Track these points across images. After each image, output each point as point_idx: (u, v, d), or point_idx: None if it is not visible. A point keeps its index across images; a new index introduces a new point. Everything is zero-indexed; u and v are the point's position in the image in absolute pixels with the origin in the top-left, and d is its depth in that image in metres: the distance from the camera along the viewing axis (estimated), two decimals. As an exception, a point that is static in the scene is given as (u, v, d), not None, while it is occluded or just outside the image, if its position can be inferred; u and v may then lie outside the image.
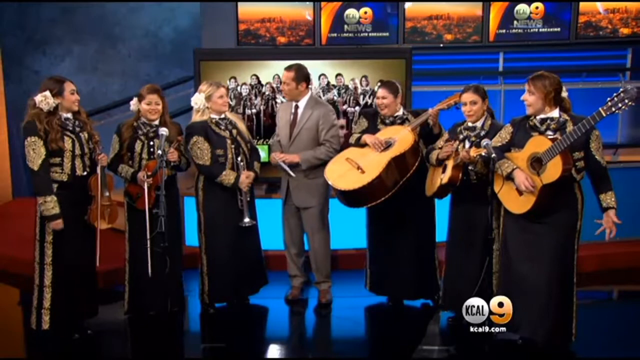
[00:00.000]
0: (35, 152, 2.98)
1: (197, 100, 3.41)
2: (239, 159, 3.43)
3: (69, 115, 3.10)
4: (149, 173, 3.18)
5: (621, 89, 2.58)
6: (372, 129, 3.48)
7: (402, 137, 3.29)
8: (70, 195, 3.06)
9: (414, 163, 3.30)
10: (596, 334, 3.25)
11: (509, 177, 2.83)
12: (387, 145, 3.31)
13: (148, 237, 3.04)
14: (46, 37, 6.78)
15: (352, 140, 3.56)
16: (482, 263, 3.13)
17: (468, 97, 3.17)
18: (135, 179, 3.25)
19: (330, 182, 3.35)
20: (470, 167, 3.14)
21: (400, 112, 3.51)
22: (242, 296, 3.68)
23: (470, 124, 3.23)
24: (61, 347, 3.15)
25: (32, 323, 3.13)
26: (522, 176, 2.76)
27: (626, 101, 2.55)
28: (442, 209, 3.52)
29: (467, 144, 3.18)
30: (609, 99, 2.60)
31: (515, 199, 2.85)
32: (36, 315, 3.11)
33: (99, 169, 3.08)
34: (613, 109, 2.58)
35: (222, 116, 3.47)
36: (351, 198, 3.30)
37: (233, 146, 3.43)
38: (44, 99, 2.99)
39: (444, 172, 3.18)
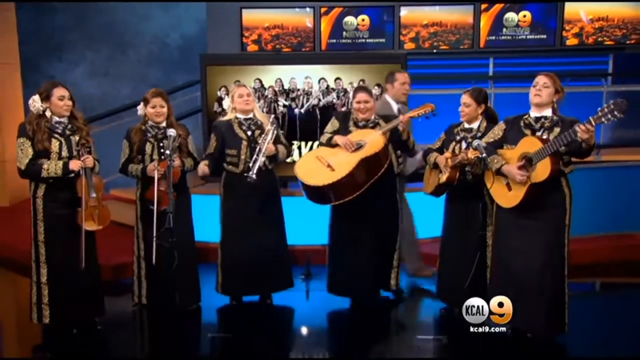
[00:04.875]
0: (23, 152, 2.93)
1: (227, 101, 3.44)
2: (254, 158, 3.29)
3: (63, 119, 3.01)
4: (161, 170, 3.07)
5: (612, 101, 2.51)
6: (344, 131, 3.40)
7: (373, 140, 3.23)
8: (58, 196, 2.98)
9: (383, 165, 3.22)
10: (583, 325, 3.21)
11: (499, 172, 2.81)
12: (358, 147, 3.23)
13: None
14: (61, 43, 6.75)
15: (323, 139, 3.44)
16: (475, 256, 3.11)
17: (463, 98, 3.17)
18: (146, 174, 3.18)
19: (299, 178, 3.25)
20: (467, 168, 3.10)
21: (372, 116, 3.43)
22: (259, 292, 3.55)
23: (466, 125, 3.20)
24: (71, 341, 3.09)
25: (32, 318, 3.06)
26: (512, 169, 2.74)
27: (615, 113, 2.49)
28: (437, 204, 3.46)
29: (464, 145, 3.16)
30: (599, 109, 2.54)
31: (504, 194, 2.83)
32: (37, 311, 3.04)
33: (83, 170, 2.95)
34: (602, 119, 2.52)
35: (250, 116, 3.40)
36: (318, 194, 3.21)
37: (248, 148, 3.35)
38: (32, 102, 2.94)
39: (441, 171, 3.16)
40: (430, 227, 4.13)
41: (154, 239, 2.91)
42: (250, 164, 3.26)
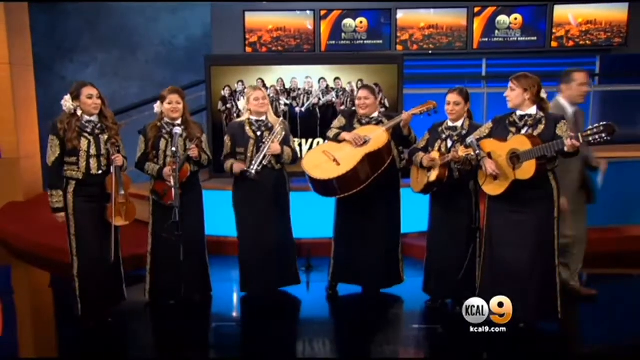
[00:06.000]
0: (52, 150, 2.94)
1: (242, 102, 3.45)
2: (257, 155, 3.28)
3: (93, 118, 3.00)
4: (174, 167, 3.05)
5: (603, 123, 2.51)
6: (349, 127, 3.40)
7: (377, 136, 3.22)
8: (87, 192, 2.97)
9: (386, 160, 3.21)
10: (572, 315, 3.19)
11: (479, 164, 2.86)
12: (363, 142, 3.22)
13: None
14: (73, 45, 6.73)
15: (330, 134, 3.40)
16: (463, 249, 3.09)
17: (452, 97, 3.12)
18: (162, 175, 3.16)
19: (306, 171, 3.23)
20: (457, 166, 3.07)
21: (376, 114, 3.42)
22: (268, 288, 3.49)
23: (450, 124, 3.17)
24: (82, 331, 3.06)
25: (74, 309, 3.07)
26: (488, 164, 2.79)
27: (603, 135, 2.50)
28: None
29: (450, 143, 3.13)
30: (589, 127, 2.55)
31: (491, 183, 2.84)
32: (74, 302, 3.04)
33: (113, 169, 2.96)
34: (590, 139, 2.54)
35: (263, 118, 3.38)
36: (324, 187, 3.20)
37: (255, 147, 3.32)
38: (64, 101, 2.95)
39: (429, 170, 3.13)
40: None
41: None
42: (253, 160, 3.26)
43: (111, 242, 2.96)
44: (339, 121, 3.47)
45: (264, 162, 3.27)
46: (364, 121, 3.39)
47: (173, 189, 2.97)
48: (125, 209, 3.01)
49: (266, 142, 3.29)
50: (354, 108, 3.51)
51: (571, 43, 6.02)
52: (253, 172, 3.21)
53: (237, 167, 3.30)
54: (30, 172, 5.84)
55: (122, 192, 2.99)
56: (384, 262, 3.46)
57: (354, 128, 3.38)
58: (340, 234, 3.52)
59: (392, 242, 3.47)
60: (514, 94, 2.82)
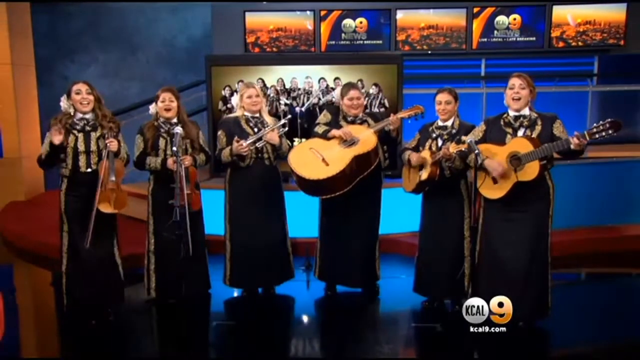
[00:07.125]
0: (43, 144, 2.98)
1: (235, 98, 3.46)
2: (254, 136, 3.28)
3: (88, 115, 3.00)
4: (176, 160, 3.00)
5: (609, 120, 2.49)
6: (334, 124, 3.35)
7: (365, 138, 3.18)
8: (77, 192, 2.96)
9: (373, 163, 3.19)
10: (569, 313, 3.18)
11: (481, 167, 2.79)
12: (351, 143, 3.19)
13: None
14: (75, 46, 6.73)
15: (319, 130, 3.32)
16: (457, 248, 3.08)
17: (444, 97, 3.09)
18: (166, 166, 3.13)
19: (293, 168, 3.17)
20: (448, 164, 3.05)
21: (361, 113, 3.39)
22: (263, 284, 3.50)
23: (441, 123, 3.14)
24: (83, 330, 3.05)
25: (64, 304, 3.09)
26: (493, 162, 2.73)
27: (610, 131, 2.48)
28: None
29: (440, 142, 3.11)
30: (595, 124, 2.53)
31: (491, 187, 2.80)
32: (62, 297, 3.07)
33: (106, 153, 2.90)
34: (596, 135, 2.51)
35: (256, 115, 3.36)
36: (312, 187, 3.15)
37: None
38: (61, 102, 2.98)
39: (421, 169, 3.11)
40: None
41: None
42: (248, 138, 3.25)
43: (89, 227, 2.84)
44: (325, 116, 3.42)
45: (257, 145, 3.26)
46: (349, 119, 3.36)
47: (174, 187, 2.94)
48: (115, 197, 2.95)
49: (265, 129, 3.28)
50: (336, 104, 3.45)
51: (564, 44, 6.01)
52: (243, 144, 3.19)
53: (235, 145, 3.22)
54: (32, 171, 5.82)
55: (113, 178, 2.93)
56: (366, 261, 3.44)
57: (340, 125, 3.33)
58: (326, 233, 3.49)
59: (373, 242, 3.46)
60: (525, 92, 2.76)
